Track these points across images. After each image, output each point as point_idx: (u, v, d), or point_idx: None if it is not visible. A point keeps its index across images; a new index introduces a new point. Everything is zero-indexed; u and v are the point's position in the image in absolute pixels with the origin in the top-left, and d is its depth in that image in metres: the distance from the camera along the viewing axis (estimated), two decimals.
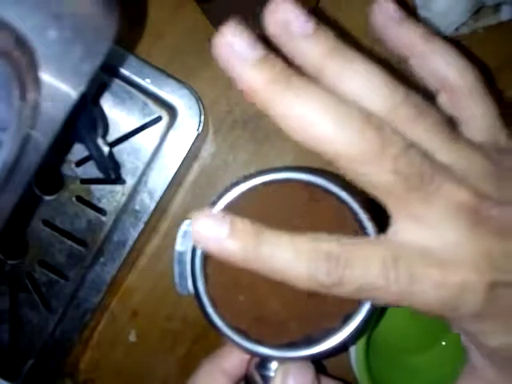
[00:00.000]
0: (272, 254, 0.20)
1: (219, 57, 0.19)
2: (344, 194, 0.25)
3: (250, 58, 0.19)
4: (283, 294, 0.25)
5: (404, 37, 0.22)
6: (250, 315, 0.26)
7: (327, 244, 0.20)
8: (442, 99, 0.22)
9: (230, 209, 0.26)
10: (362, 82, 0.19)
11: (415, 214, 0.20)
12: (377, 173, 0.19)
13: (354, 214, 0.25)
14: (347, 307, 0.25)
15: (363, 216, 0.25)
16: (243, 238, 0.20)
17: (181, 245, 0.27)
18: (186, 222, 0.27)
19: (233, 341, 0.26)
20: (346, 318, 0.25)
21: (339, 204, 0.25)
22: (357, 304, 0.25)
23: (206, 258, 0.26)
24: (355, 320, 0.25)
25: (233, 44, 0.19)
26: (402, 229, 0.20)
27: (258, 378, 0.28)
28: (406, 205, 0.20)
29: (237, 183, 0.26)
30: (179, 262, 0.27)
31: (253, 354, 0.26)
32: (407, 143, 0.19)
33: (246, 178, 0.26)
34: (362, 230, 0.25)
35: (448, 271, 0.20)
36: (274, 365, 0.27)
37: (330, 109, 0.18)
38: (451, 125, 0.21)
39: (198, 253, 0.26)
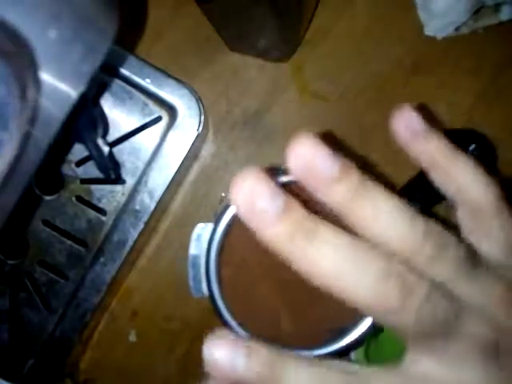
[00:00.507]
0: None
1: (239, 209, 0.18)
2: None
3: (271, 210, 0.18)
4: (294, 299, 0.26)
5: (427, 151, 0.21)
6: (265, 318, 0.26)
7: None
8: (462, 213, 0.22)
9: None
10: (385, 224, 0.19)
11: (434, 350, 0.20)
12: (399, 320, 0.19)
13: None
14: (350, 314, 0.26)
15: None
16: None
17: (194, 248, 0.27)
18: (200, 225, 0.27)
19: None
20: (349, 325, 0.26)
21: None
22: (356, 316, 0.26)
23: (221, 260, 0.26)
24: (358, 326, 0.26)
25: (253, 198, 0.18)
26: (419, 361, 0.20)
27: None
28: (426, 342, 0.19)
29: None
30: (193, 266, 0.27)
31: None
32: (429, 288, 0.19)
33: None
34: None
35: None
36: None
37: (351, 261, 0.18)
38: (472, 252, 0.20)
39: (213, 256, 0.26)
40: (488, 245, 0.21)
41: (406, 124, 0.21)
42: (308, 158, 0.18)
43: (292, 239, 0.18)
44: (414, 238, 0.19)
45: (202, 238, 0.27)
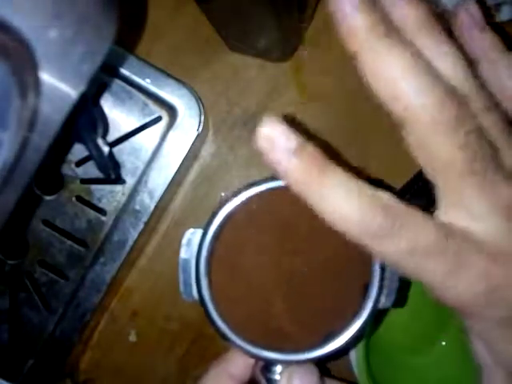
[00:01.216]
0: (332, 190, 0.19)
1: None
2: None
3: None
4: (287, 300, 0.26)
5: (482, 42, 0.24)
6: (255, 321, 0.27)
7: (387, 197, 0.20)
8: (503, 107, 0.23)
9: (241, 208, 0.27)
10: (451, 62, 0.20)
11: (465, 202, 0.20)
12: (445, 143, 0.19)
13: None
14: (348, 311, 0.26)
15: None
16: (310, 161, 0.19)
17: (185, 252, 0.27)
18: (190, 230, 0.28)
19: (238, 346, 0.27)
20: (347, 322, 0.26)
21: None
22: (357, 308, 0.26)
23: (211, 265, 0.27)
24: (356, 324, 0.26)
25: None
26: (450, 213, 0.20)
27: (263, 381, 0.28)
28: (458, 190, 0.20)
29: (249, 186, 0.27)
30: (184, 270, 0.27)
31: (258, 358, 0.27)
32: (480, 125, 0.20)
33: (255, 183, 0.27)
34: None
35: (492, 263, 0.20)
36: (278, 368, 0.27)
37: (416, 71, 0.19)
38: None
39: (202, 260, 0.27)
40: None
41: (470, 15, 0.24)
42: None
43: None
44: (470, 84, 0.20)
45: (192, 242, 0.27)
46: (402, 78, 0.19)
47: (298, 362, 0.27)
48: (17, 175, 0.22)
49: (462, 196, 0.20)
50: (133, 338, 0.42)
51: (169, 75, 0.37)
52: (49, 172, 0.38)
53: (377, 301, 0.26)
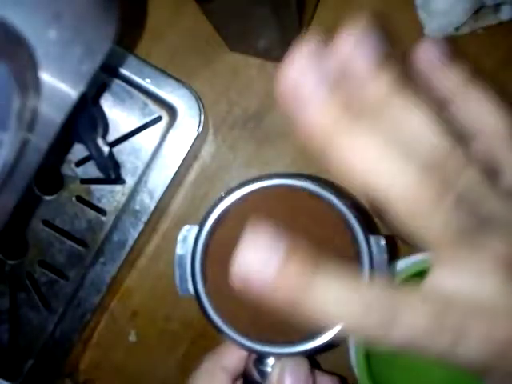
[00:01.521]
0: (323, 299, 0.19)
1: (283, 97, 0.18)
2: (334, 198, 0.29)
3: (316, 97, 0.18)
4: None
5: (447, 81, 0.22)
6: (248, 315, 0.28)
7: (378, 289, 0.19)
8: (480, 145, 0.22)
9: (236, 206, 0.29)
10: (418, 127, 0.19)
11: (460, 266, 0.20)
12: (427, 221, 0.19)
13: (343, 215, 0.29)
14: None
15: (350, 216, 0.29)
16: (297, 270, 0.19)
17: (181, 248, 0.28)
18: (186, 227, 0.29)
19: (231, 339, 0.28)
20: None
21: (330, 206, 0.29)
22: None
23: (206, 260, 0.28)
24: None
25: (300, 83, 0.18)
26: (447, 277, 0.20)
27: (255, 373, 0.29)
28: (453, 251, 0.19)
29: (243, 184, 0.29)
30: (179, 265, 0.28)
31: (250, 350, 0.28)
32: (460, 194, 0.19)
33: (249, 181, 0.29)
34: (348, 229, 0.29)
35: (495, 325, 0.19)
36: (270, 360, 0.28)
37: (389, 156, 0.18)
38: (491, 173, 0.21)
39: (198, 256, 0.28)
40: (506, 175, 0.21)
41: (430, 52, 0.22)
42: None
43: (337, 125, 0.18)
44: (445, 145, 0.19)
45: (188, 239, 0.28)
46: (376, 168, 0.18)
47: (290, 355, 0.28)
48: (17, 175, 0.22)
49: (457, 259, 0.19)
50: (133, 338, 0.42)
51: (169, 75, 0.37)
52: (49, 172, 0.38)
53: None
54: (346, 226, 0.29)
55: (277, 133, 0.40)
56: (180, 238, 0.29)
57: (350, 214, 0.29)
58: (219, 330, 0.28)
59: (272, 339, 0.28)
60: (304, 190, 0.29)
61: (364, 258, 0.29)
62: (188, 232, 0.28)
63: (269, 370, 0.28)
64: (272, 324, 0.27)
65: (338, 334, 0.27)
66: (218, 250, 0.28)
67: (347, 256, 0.29)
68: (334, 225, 0.29)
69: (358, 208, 0.29)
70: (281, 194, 0.29)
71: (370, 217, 0.27)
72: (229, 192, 0.29)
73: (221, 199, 0.29)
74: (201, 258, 0.28)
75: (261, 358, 0.29)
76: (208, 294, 0.28)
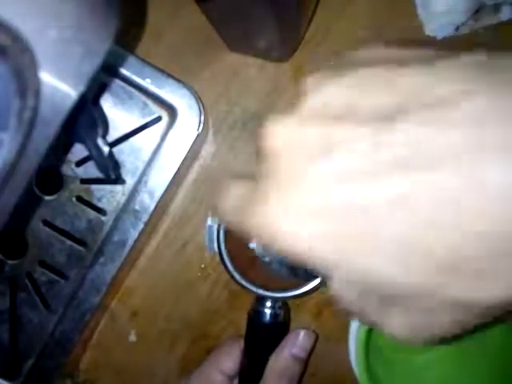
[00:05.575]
0: None
1: None
2: None
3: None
4: None
5: None
6: (254, 269, 0.37)
7: None
8: None
9: None
10: None
11: None
12: None
13: None
14: None
15: None
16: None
17: (211, 221, 0.38)
18: (209, 218, 0.38)
19: (241, 284, 0.37)
20: None
21: None
22: None
23: (227, 230, 0.37)
24: None
25: None
26: None
27: (256, 313, 0.38)
28: None
29: None
30: (209, 232, 0.38)
31: (255, 293, 0.37)
32: None
33: None
34: None
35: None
36: (268, 303, 0.38)
37: None
38: None
39: (222, 226, 0.37)
40: None
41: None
42: None
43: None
44: None
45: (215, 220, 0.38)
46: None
47: (288, 298, 0.37)
48: (17, 175, 0.22)
49: None
50: (133, 337, 0.42)
51: (169, 75, 0.37)
52: (49, 172, 0.38)
53: None
54: None
55: None
56: (209, 217, 0.39)
57: None
58: (234, 279, 0.37)
59: (271, 286, 0.37)
60: None
61: None
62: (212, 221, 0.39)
63: (266, 311, 0.38)
64: (271, 276, 0.36)
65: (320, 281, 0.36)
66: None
67: None
68: None
69: None
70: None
71: None
72: None
73: None
74: (223, 227, 0.37)
75: (261, 300, 0.38)
76: (228, 254, 0.37)
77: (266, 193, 0.18)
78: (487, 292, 0.15)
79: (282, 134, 0.18)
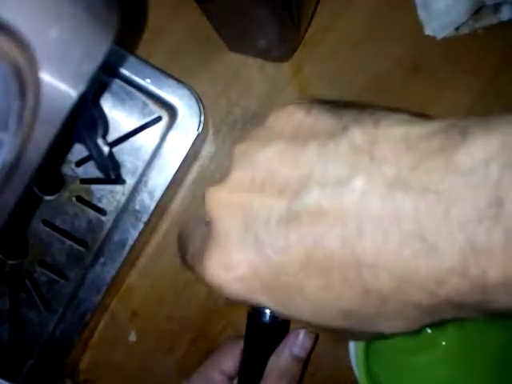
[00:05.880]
0: None
1: None
2: None
3: None
4: None
5: None
6: None
7: None
8: None
9: None
10: None
11: None
12: None
13: None
14: None
15: None
16: None
17: None
18: None
19: None
20: None
21: None
22: None
23: None
24: None
25: None
26: None
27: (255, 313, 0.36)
28: None
29: None
30: None
31: None
32: None
33: None
34: None
35: None
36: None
37: None
38: None
39: None
40: None
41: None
42: None
43: None
44: None
45: None
46: None
47: None
48: (17, 175, 0.22)
49: None
50: (133, 337, 0.42)
51: (169, 75, 0.37)
52: (49, 172, 0.38)
53: None
54: None
55: None
56: None
57: None
58: None
59: None
60: None
61: None
62: None
63: (266, 310, 0.35)
64: None
65: None
66: None
67: None
68: None
69: None
70: None
71: None
72: None
73: None
74: None
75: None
76: None
77: (208, 246, 0.21)
78: (381, 328, 0.19)
79: (216, 200, 0.21)
